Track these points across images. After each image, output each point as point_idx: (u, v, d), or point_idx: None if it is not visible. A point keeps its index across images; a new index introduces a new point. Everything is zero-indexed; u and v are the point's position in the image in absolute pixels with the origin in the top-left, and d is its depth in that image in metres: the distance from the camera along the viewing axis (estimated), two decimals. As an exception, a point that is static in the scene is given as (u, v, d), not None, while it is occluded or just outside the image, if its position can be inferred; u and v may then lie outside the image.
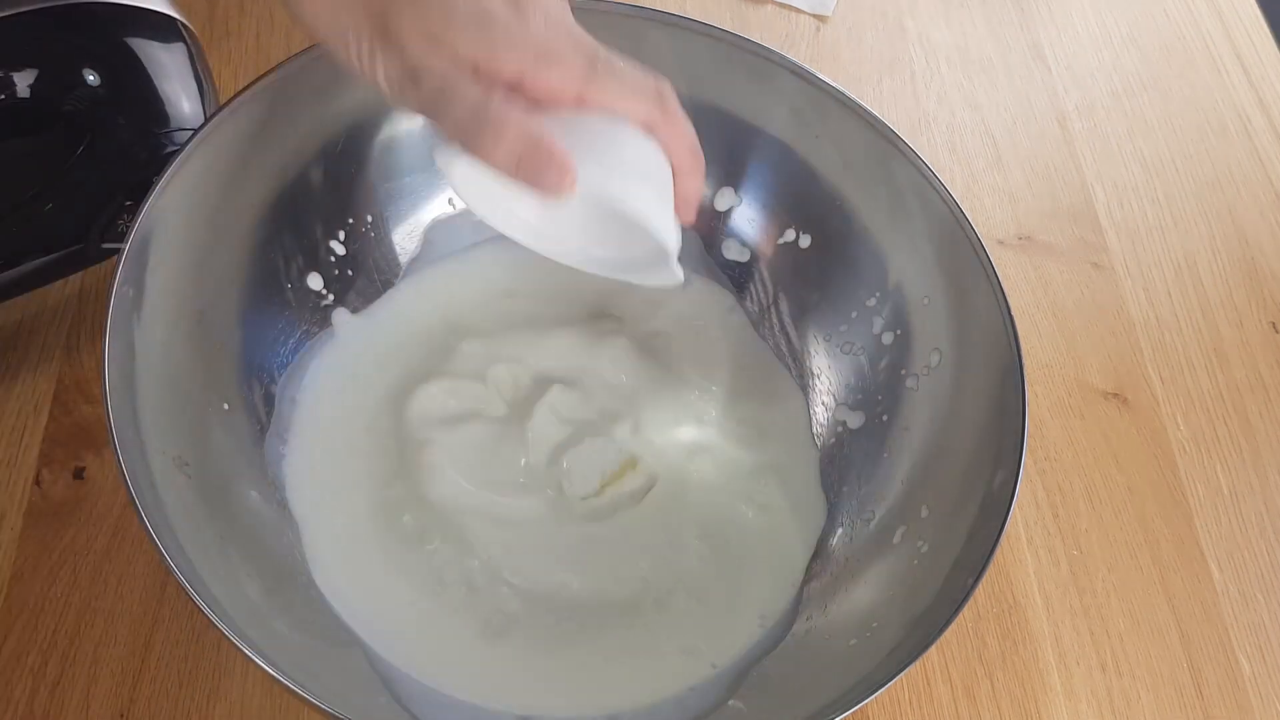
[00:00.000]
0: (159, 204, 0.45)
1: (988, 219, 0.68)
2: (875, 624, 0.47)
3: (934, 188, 0.51)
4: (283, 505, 0.51)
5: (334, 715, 0.39)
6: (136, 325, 0.44)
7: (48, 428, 0.54)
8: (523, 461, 0.53)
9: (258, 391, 0.53)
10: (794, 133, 0.55)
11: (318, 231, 0.55)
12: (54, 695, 0.48)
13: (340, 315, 0.56)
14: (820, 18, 0.75)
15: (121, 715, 0.48)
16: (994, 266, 0.49)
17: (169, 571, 0.39)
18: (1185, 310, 0.65)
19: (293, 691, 0.38)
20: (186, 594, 0.38)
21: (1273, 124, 0.74)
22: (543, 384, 0.55)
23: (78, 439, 0.54)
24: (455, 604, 0.50)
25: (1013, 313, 0.48)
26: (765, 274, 0.59)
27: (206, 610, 0.39)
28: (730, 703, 0.49)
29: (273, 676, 0.38)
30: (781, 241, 0.58)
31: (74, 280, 0.58)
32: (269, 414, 0.53)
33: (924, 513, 0.49)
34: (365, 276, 0.57)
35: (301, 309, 0.55)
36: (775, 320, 0.59)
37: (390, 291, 0.58)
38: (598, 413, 0.55)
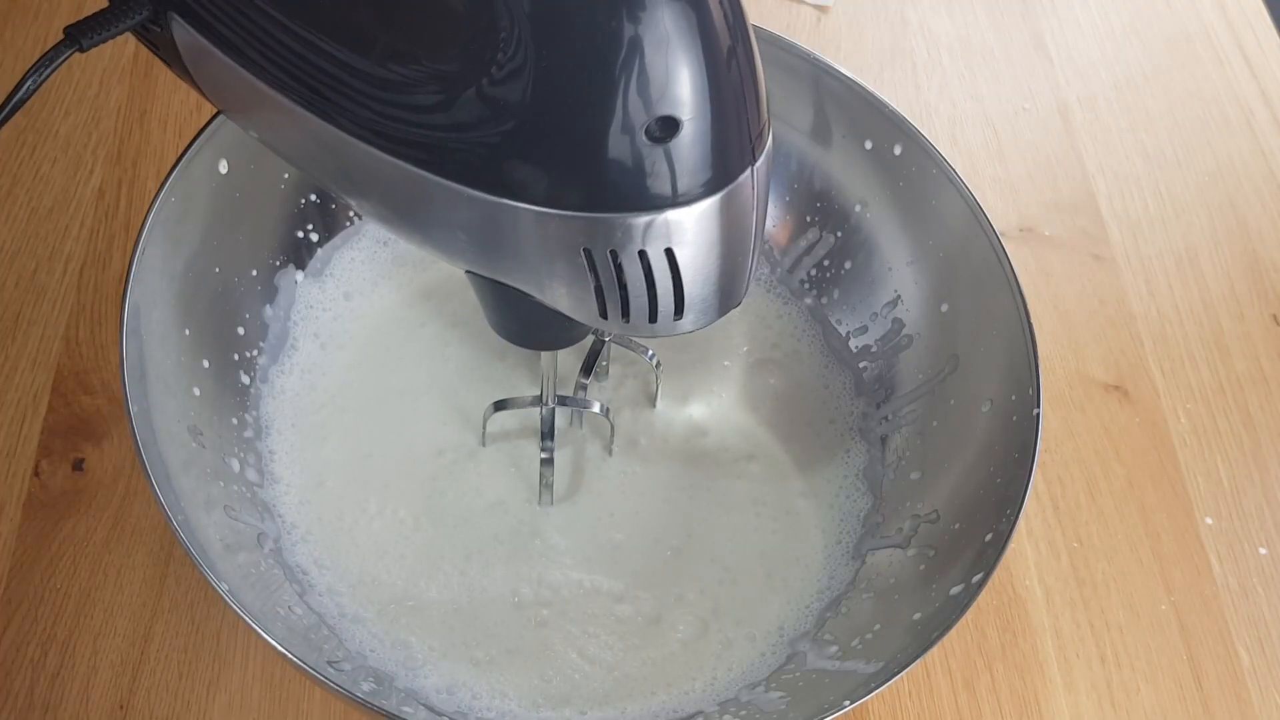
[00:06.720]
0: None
1: (989, 211, 0.67)
2: (878, 625, 0.47)
3: (950, 180, 0.51)
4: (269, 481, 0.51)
5: (340, 690, 0.39)
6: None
7: (47, 419, 0.54)
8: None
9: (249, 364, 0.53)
10: (807, 127, 0.55)
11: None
12: (53, 687, 0.48)
13: (297, 275, 0.56)
14: (821, 8, 0.75)
15: (121, 707, 0.48)
16: (1013, 266, 0.49)
17: (176, 539, 0.40)
18: (1186, 302, 0.65)
19: (298, 665, 0.38)
20: (194, 563, 0.39)
21: (1275, 116, 0.73)
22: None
23: (77, 430, 0.54)
24: (448, 585, 0.51)
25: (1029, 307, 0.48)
26: (780, 272, 0.59)
27: (209, 575, 0.39)
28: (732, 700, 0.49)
29: (279, 652, 0.38)
30: (797, 238, 0.58)
31: (72, 272, 0.58)
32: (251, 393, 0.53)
33: (934, 517, 0.49)
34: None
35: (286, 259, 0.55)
36: (789, 318, 0.59)
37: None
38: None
